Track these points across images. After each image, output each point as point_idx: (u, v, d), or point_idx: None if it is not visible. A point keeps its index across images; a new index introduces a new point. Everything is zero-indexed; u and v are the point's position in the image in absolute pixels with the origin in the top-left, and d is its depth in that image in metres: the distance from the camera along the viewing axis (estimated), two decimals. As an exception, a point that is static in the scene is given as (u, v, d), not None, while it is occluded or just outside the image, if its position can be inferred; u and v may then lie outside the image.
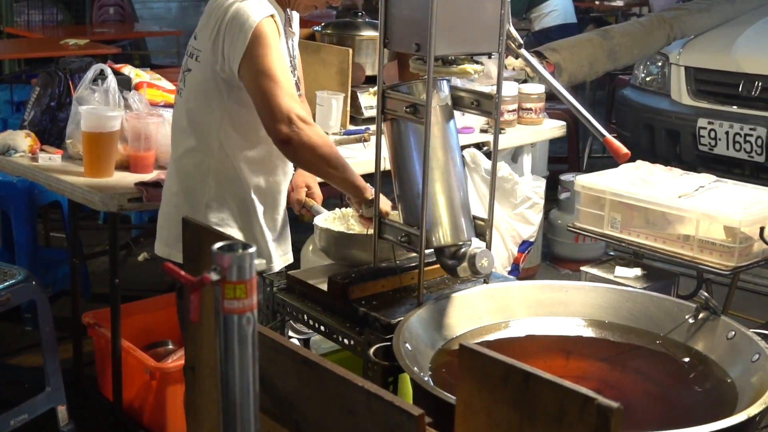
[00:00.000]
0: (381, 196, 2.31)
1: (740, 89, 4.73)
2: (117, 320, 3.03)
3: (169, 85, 3.44)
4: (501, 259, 3.81)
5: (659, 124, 5.04)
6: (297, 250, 2.65)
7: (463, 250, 2.04)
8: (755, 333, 1.89)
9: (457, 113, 2.15)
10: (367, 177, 2.48)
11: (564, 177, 4.84)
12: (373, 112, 3.44)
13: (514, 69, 4.18)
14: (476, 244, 2.06)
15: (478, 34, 2.02)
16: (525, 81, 4.18)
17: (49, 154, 3.09)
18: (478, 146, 3.73)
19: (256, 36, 2.21)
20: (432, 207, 2.04)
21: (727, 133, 4.67)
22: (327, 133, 3.35)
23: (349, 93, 3.51)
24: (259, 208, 2.42)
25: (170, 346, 3.37)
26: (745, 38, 4.99)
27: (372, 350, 1.91)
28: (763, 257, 2.77)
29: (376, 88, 2.15)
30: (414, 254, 2.15)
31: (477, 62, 2.07)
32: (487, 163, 3.62)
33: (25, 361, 3.69)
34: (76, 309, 3.49)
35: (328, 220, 2.45)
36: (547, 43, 5.07)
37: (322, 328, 2.15)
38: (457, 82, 2.70)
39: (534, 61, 2.25)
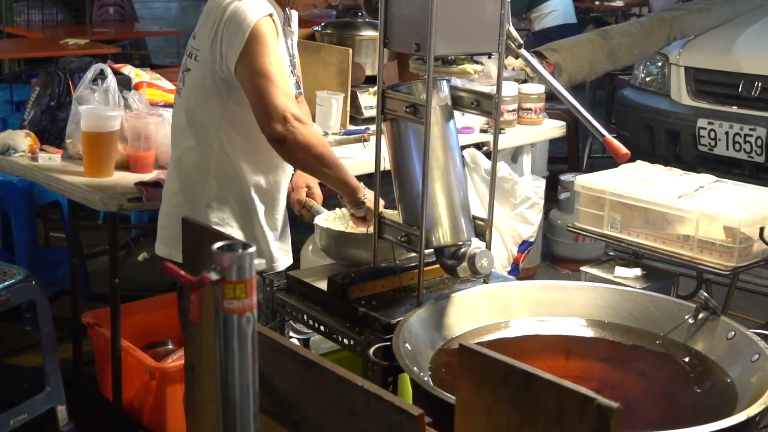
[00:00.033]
0: (370, 193, 2.32)
1: (740, 89, 4.73)
2: (117, 320, 3.02)
3: (169, 85, 3.44)
4: (501, 259, 3.81)
5: (659, 125, 5.05)
6: (297, 250, 2.65)
7: (462, 250, 2.04)
8: (755, 333, 1.89)
9: (456, 113, 2.15)
10: (367, 177, 2.48)
11: (564, 177, 4.84)
12: (372, 112, 3.44)
13: (513, 69, 4.18)
14: (476, 244, 2.06)
15: (478, 34, 2.02)
16: (525, 81, 4.18)
17: (48, 153, 3.09)
18: (478, 146, 3.73)
19: (253, 35, 2.22)
20: (432, 207, 2.04)
21: (726, 133, 4.67)
22: (327, 134, 3.36)
23: (349, 93, 3.51)
24: (260, 208, 2.42)
25: (170, 346, 3.37)
26: (745, 38, 4.99)
27: (372, 350, 1.91)
28: (762, 257, 2.77)
29: (376, 88, 2.15)
30: (414, 254, 2.15)
31: (477, 62, 2.07)
32: (486, 163, 3.62)
33: (24, 360, 3.69)
34: (75, 309, 3.50)
35: (328, 219, 2.45)
36: (547, 43, 5.07)
37: (321, 327, 2.15)
38: (457, 82, 2.70)
39: (534, 61, 2.25)
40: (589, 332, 2.07)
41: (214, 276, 1.13)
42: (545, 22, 6.83)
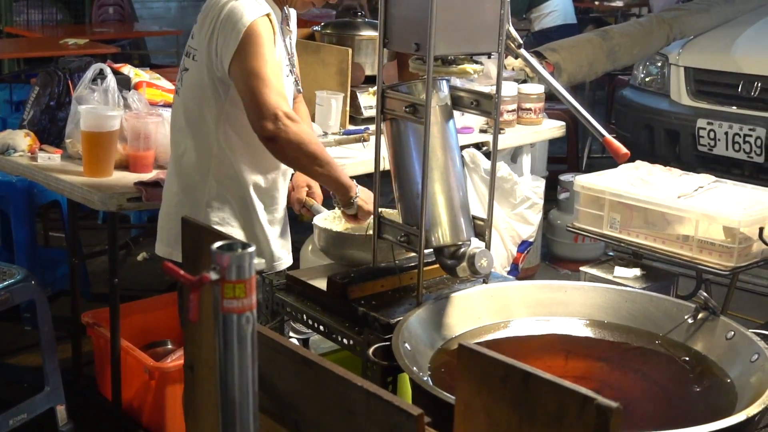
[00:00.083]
0: (365, 194, 2.32)
1: (740, 90, 4.73)
2: (116, 320, 3.02)
3: (169, 85, 3.44)
4: (500, 259, 3.81)
5: (659, 125, 5.05)
6: (296, 249, 2.65)
7: (462, 250, 2.04)
8: (754, 333, 1.89)
9: (456, 113, 2.15)
10: (367, 177, 2.48)
11: (563, 177, 4.84)
12: (372, 112, 3.44)
13: (513, 69, 4.18)
14: (475, 244, 2.06)
15: (478, 34, 2.02)
16: (524, 81, 4.18)
17: (48, 153, 3.09)
18: (478, 146, 3.73)
19: (247, 35, 2.22)
20: (431, 207, 2.04)
21: (726, 133, 4.67)
22: (326, 133, 3.36)
23: (349, 93, 3.51)
24: (259, 207, 2.43)
25: (169, 346, 3.37)
26: (745, 39, 4.99)
27: (371, 350, 1.91)
28: (762, 257, 2.77)
29: (375, 87, 2.15)
30: (413, 254, 2.15)
31: (476, 62, 2.06)
32: (486, 163, 3.62)
33: (24, 360, 3.69)
34: (75, 309, 3.50)
35: (327, 219, 2.45)
36: (547, 43, 5.07)
37: (321, 327, 2.14)
38: (457, 82, 2.70)
39: (533, 61, 2.25)
40: (588, 332, 2.07)
41: (213, 276, 1.13)
42: (545, 23, 6.83)
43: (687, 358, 1.94)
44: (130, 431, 3.16)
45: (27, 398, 2.99)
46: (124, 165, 3.03)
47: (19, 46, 6.75)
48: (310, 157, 2.29)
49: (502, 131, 3.71)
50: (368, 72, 3.65)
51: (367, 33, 3.63)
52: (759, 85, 4.66)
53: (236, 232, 2.40)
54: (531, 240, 3.98)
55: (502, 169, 3.80)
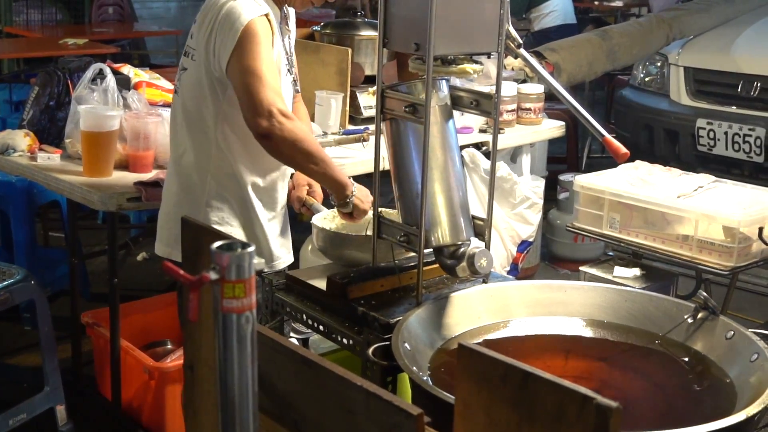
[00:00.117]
0: (362, 192, 2.31)
1: (739, 89, 4.73)
2: (116, 320, 3.02)
3: (168, 85, 3.44)
4: (500, 259, 3.81)
5: (658, 125, 5.05)
6: (296, 249, 2.65)
7: (462, 249, 2.04)
8: (754, 333, 1.89)
9: (456, 113, 2.15)
10: (366, 177, 2.48)
11: (563, 177, 4.84)
12: (372, 112, 3.44)
13: (513, 69, 4.18)
14: (475, 244, 2.06)
15: (478, 34, 2.02)
16: (524, 81, 4.18)
17: (47, 153, 3.09)
18: (477, 146, 3.73)
19: (245, 34, 2.22)
20: (431, 207, 2.04)
21: (726, 133, 4.67)
22: (326, 133, 3.36)
23: (348, 93, 3.51)
24: (259, 206, 2.43)
25: (169, 346, 3.36)
26: (745, 38, 4.99)
27: (371, 350, 1.91)
28: (761, 257, 2.77)
29: (375, 87, 2.15)
30: (413, 254, 2.15)
31: (476, 62, 2.06)
32: (486, 163, 3.62)
33: (23, 360, 3.69)
34: (74, 308, 3.49)
35: (327, 218, 2.45)
36: (547, 43, 5.07)
37: (321, 327, 2.15)
38: (456, 81, 2.70)
39: (533, 61, 2.25)
40: (588, 332, 2.07)
41: (213, 275, 1.13)
42: (545, 23, 6.83)
43: (687, 358, 1.94)
44: (129, 431, 3.16)
45: (27, 398, 2.99)
46: (124, 165, 3.03)
47: (19, 46, 6.75)
48: (305, 154, 2.29)
49: (501, 131, 3.71)
50: (368, 72, 3.65)
51: (367, 33, 3.63)
52: (758, 84, 4.66)
53: (236, 232, 2.40)
54: (531, 240, 3.98)
55: (502, 168, 3.80)
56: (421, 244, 2.02)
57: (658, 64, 5.24)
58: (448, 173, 2.06)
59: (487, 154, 3.67)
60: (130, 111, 3.11)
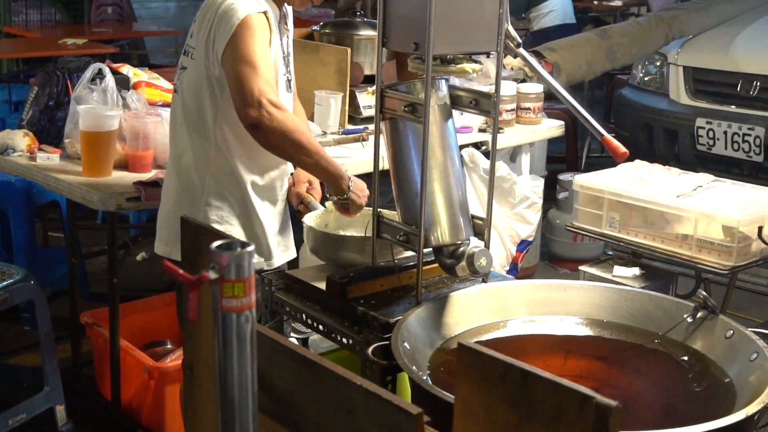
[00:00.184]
0: (358, 185, 2.31)
1: (739, 89, 4.73)
2: (115, 320, 3.03)
3: (168, 85, 3.44)
4: (499, 259, 3.81)
5: (658, 124, 5.05)
6: (297, 249, 2.65)
7: (461, 249, 2.04)
8: (753, 332, 1.89)
9: (455, 112, 2.15)
10: (366, 176, 2.48)
11: (562, 176, 4.84)
12: (371, 112, 3.44)
13: (512, 69, 4.18)
14: (475, 244, 2.06)
15: (477, 34, 2.02)
16: (523, 80, 4.18)
17: (47, 153, 3.09)
18: (477, 146, 3.73)
19: (241, 26, 2.23)
20: (430, 206, 2.04)
21: (725, 132, 4.67)
22: (325, 133, 3.36)
23: (348, 92, 3.51)
24: (258, 205, 2.43)
25: (168, 346, 3.36)
26: (744, 38, 4.99)
27: (370, 349, 1.91)
28: (761, 257, 2.77)
29: (374, 87, 2.15)
30: (412, 253, 2.15)
31: (476, 61, 2.06)
32: (485, 163, 3.62)
33: (23, 360, 3.69)
34: (74, 308, 3.49)
35: (321, 216, 2.44)
36: (546, 42, 5.07)
37: (320, 327, 2.15)
38: (456, 81, 2.70)
39: (532, 60, 2.25)
40: (587, 331, 2.07)
41: (212, 275, 1.13)
42: (544, 22, 6.83)
43: (686, 357, 1.94)
44: (129, 431, 3.16)
45: (26, 398, 2.99)
46: (123, 165, 3.03)
47: (18, 46, 6.74)
48: (296, 146, 2.28)
49: (501, 131, 3.71)
50: (367, 71, 3.65)
51: (366, 32, 3.63)
52: (758, 84, 4.66)
53: (235, 231, 2.40)
54: (530, 239, 3.98)
55: (501, 168, 3.80)
56: (420, 243, 2.02)
57: (658, 64, 5.24)
58: (447, 173, 2.06)
59: (486, 154, 3.67)
60: (130, 111, 3.11)
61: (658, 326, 2.02)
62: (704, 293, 2.00)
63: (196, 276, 1.14)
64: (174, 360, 3.08)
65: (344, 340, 2.08)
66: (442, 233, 2.05)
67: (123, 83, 3.29)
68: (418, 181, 2.02)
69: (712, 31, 5.26)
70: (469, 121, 3.73)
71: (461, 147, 3.24)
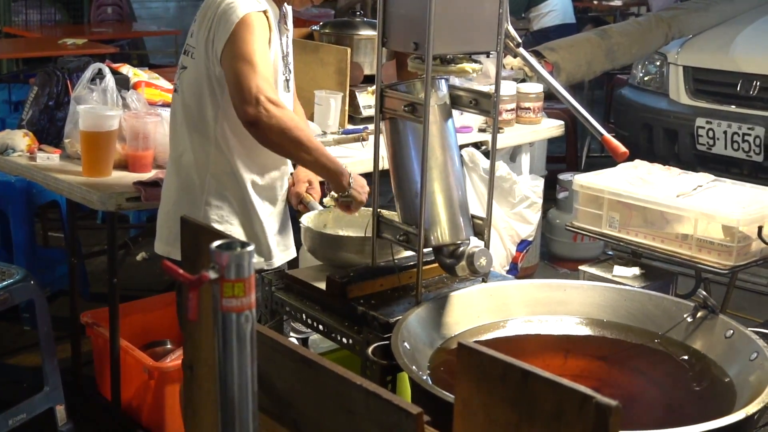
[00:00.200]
0: (358, 181, 2.31)
1: (738, 89, 4.73)
2: (115, 320, 3.02)
3: (167, 85, 3.44)
4: (499, 259, 3.81)
5: (657, 124, 5.05)
6: (296, 249, 2.65)
7: (461, 249, 2.04)
8: (753, 332, 1.89)
9: (455, 112, 2.15)
10: (366, 176, 2.48)
11: (562, 176, 4.84)
12: (371, 111, 3.43)
13: (512, 68, 4.18)
14: (475, 243, 2.06)
15: (477, 33, 2.02)
16: (523, 80, 4.18)
17: (47, 153, 3.09)
18: (477, 145, 3.73)
19: (240, 25, 2.23)
20: (430, 206, 2.04)
21: (725, 132, 4.67)
22: (325, 133, 3.36)
23: (348, 92, 3.51)
24: (258, 204, 2.43)
25: (168, 346, 3.36)
26: (744, 38, 4.99)
27: (370, 349, 1.91)
28: (761, 256, 2.77)
29: (374, 87, 2.15)
30: (412, 253, 2.15)
31: (475, 61, 2.06)
32: (485, 163, 3.62)
33: (23, 360, 3.69)
34: (74, 309, 3.49)
35: (319, 216, 2.44)
36: (546, 42, 5.07)
37: (320, 327, 2.15)
38: (456, 81, 2.70)
39: (532, 60, 2.25)
40: (587, 331, 2.07)
41: (212, 274, 1.13)
42: (544, 22, 6.83)
43: (686, 357, 1.94)
44: (129, 431, 3.16)
45: (26, 398, 2.99)
46: (123, 165, 3.03)
47: (18, 46, 6.74)
48: (295, 142, 2.28)
49: (501, 130, 3.71)
50: (367, 71, 3.65)
51: (366, 32, 3.63)
52: (758, 84, 4.66)
53: (235, 230, 2.40)
54: (530, 239, 3.98)
55: (501, 168, 3.80)
56: (420, 243, 2.02)
57: (657, 64, 5.24)
58: (447, 172, 2.06)
59: (486, 154, 3.67)
60: (129, 111, 3.11)
61: (658, 326, 2.02)
62: (704, 293, 2.00)
63: (196, 276, 1.14)
64: (174, 360, 3.08)
65: (344, 339, 2.08)
66: (442, 233, 2.05)
67: (123, 83, 3.29)
68: (418, 180, 2.02)
69: (712, 30, 5.26)
70: (469, 120, 3.73)
71: (461, 147, 3.24)
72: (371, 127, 3.17)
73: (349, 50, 3.49)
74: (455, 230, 2.06)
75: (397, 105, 2.05)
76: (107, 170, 2.95)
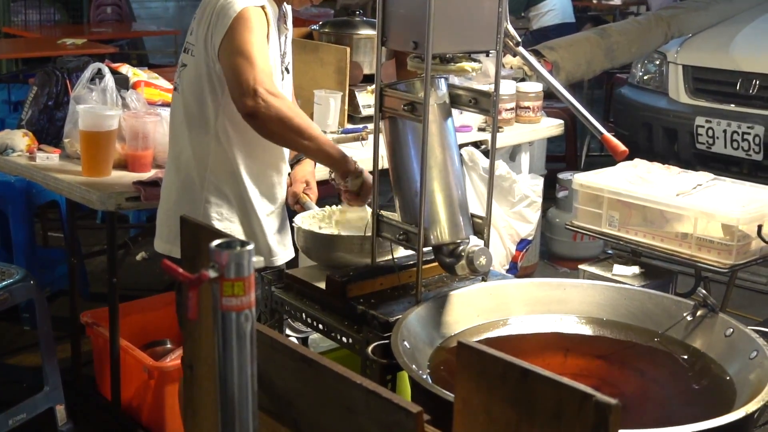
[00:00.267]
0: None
1: (738, 87, 4.73)
2: (115, 319, 3.02)
3: (167, 84, 3.44)
4: (499, 258, 3.81)
5: (657, 123, 5.05)
6: (296, 248, 2.65)
7: (461, 248, 2.04)
8: (753, 330, 1.89)
9: (455, 111, 2.15)
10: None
11: (562, 175, 4.84)
12: (371, 111, 3.43)
13: (512, 67, 4.18)
14: (474, 242, 2.06)
15: (476, 32, 2.02)
16: (523, 79, 4.18)
17: (46, 153, 3.09)
18: (476, 145, 3.73)
19: (237, 19, 2.24)
20: (430, 205, 2.04)
21: (724, 131, 4.67)
22: (325, 132, 3.36)
23: (347, 92, 3.51)
24: (257, 203, 2.43)
25: (168, 345, 3.36)
26: (743, 36, 4.99)
27: (370, 348, 1.91)
28: (760, 255, 2.77)
29: (374, 86, 2.15)
30: (412, 252, 2.15)
31: (475, 60, 2.06)
32: (485, 162, 3.62)
33: (23, 360, 3.69)
34: (74, 308, 3.49)
35: (315, 217, 2.44)
36: (545, 41, 5.07)
37: (320, 326, 2.15)
38: (455, 80, 2.70)
39: (532, 59, 2.25)
40: (587, 330, 2.07)
41: (212, 273, 1.13)
42: (543, 21, 6.84)
43: (686, 356, 1.95)
44: (129, 431, 3.16)
45: (26, 398, 2.99)
46: (123, 164, 3.03)
47: (17, 46, 6.74)
48: (296, 131, 2.27)
49: (500, 129, 3.71)
50: (366, 71, 3.65)
51: (366, 32, 3.63)
52: (757, 82, 4.66)
53: (235, 228, 2.40)
54: (530, 238, 3.97)
55: (501, 167, 3.80)
56: (420, 242, 2.02)
57: (657, 63, 5.24)
58: (447, 172, 2.06)
59: (486, 153, 3.67)
60: (129, 111, 3.11)
61: (658, 325, 2.02)
62: (704, 291, 2.00)
63: (195, 275, 1.14)
64: (174, 359, 3.08)
65: (344, 339, 2.08)
66: (442, 232, 2.05)
67: (122, 83, 3.29)
68: (418, 180, 2.02)
69: (712, 29, 5.26)
70: (469, 120, 3.73)
71: (461, 146, 3.24)
72: (371, 126, 3.17)
73: (348, 50, 3.49)
74: (455, 229, 2.06)
75: (396, 104, 2.05)
76: (107, 170, 2.95)
